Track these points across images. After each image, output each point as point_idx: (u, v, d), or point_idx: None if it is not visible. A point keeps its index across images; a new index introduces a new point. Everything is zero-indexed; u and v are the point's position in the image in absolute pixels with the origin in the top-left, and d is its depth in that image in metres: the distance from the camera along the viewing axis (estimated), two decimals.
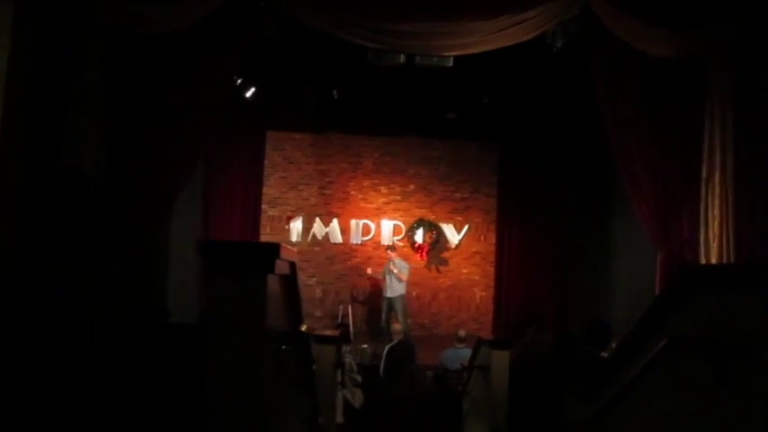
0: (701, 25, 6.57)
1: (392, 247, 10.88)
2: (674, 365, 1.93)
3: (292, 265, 1.90)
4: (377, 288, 11.14)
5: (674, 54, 6.69)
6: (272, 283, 1.75)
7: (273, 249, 1.65)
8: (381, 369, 7.59)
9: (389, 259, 10.60)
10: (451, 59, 7.81)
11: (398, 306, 10.26)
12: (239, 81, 9.60)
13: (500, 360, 4.36)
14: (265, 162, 11.59)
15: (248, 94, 10.01)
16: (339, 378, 5.17)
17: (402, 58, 7.93)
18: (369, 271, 10.96)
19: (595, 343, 3.62)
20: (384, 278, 10.61)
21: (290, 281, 1.95)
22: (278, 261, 1.65)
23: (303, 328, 2.08)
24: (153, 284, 6.04)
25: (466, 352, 6.67)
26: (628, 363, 2.16)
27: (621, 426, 2.38)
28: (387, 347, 7.95)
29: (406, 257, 11.32)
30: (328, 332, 5.32)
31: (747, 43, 6.56)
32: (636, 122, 7.12)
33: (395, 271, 10.40)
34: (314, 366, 2.65)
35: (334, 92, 10.30)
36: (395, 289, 10.41)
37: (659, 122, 7.07)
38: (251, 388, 1.65)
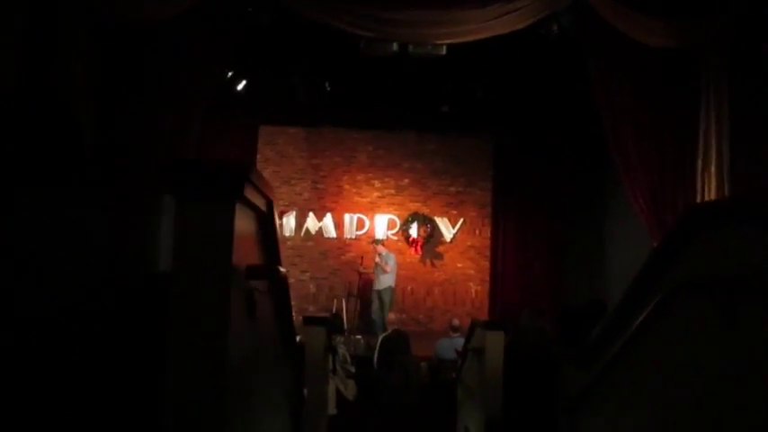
0: (698, 15, 6.53)
1: (377, 241, 10.83)
2: (677, 313, 1.84)
3: (269, 203, 1.77)
4: (370, 282, 11.10)
5: (670, 44, 6.65)
6: (245, 221, 1.61)
7: (241, 170, 1.50)
8: (375, 359, 7.50)
9: (378, 253, 10.57)
10: (444, 48, 7.73)
11: (386, 298, 10.28)
12: (230, 74, 9.51)
13: (495, 342, 4.27)
14: (258, 157, 11.47)
15: (240, 87, 9.93)
16: (330, 365, 5.08)
17: (395, 46, 7.84)
18: (361, 269, 10.88)
19: (594, 323, 3.55)
20: (374, 272, 10.65)
21: (266, 221, 1.82)
22: (250, 189, 1.52)
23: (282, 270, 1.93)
24: (144, 242, 5.80)
25: (460, 341, 6.57)
26: (629, 319, 2.08)
27: (623, 385, 2.30)
28: (381, 337, 7.86)
29: (400, 252, 11.26)
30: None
31: (744, 33, 6.52)
32: (631, 112, 7.08)
33: (381, 264, 10.41)
34: (298, 338, 2.54)
35: (327, 84, 10.22)
36: (381, 281, 10.42)
37: (655, 112, 7.03)
38: (215, 334, 1.50)
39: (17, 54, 4.80)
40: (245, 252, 1.62)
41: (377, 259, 10.46)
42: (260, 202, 1.67)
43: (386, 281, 10.39)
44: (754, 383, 1.49)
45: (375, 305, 10.42)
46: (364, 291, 11.12)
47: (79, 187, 1.62)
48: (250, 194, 1.55)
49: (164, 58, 6.41)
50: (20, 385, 1.58)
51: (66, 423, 1.61)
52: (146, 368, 1.63)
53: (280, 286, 1.97)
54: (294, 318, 2.42)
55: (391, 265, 10.42)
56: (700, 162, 6.83)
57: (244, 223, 1.59)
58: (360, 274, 10.80)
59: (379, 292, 10.40)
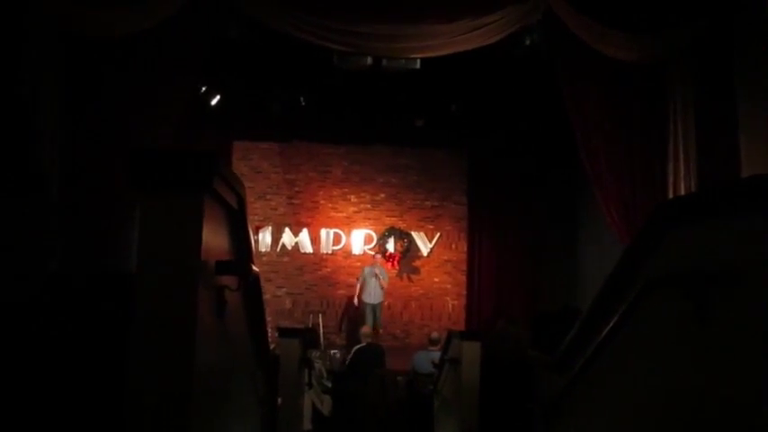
0: (662, 29, 6.69)
1: (379, 253, 10.99)
2: (650, 312, 1.84)
3: (240, 199, 1.73)
4: (350, 298, 11.06)
5: (636, 58, 6.79)
6: (214, 216, 1.54)
7: (210, 161, 1.44)
8: (346, 369, 7.44)
9: (376, 263, 10.65)
10: (418, 62, 7.76)
11: (378, 312, 10.43)
12: (204, 89, 9.47)
13: (471, 351, 4.25)
14: None
15: (213, 102, 9.89)
16: (306, 379, 5.01)
17: (369, 60, 7.86)
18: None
19: (567, 327, 3.55)
20: (365, 282, 10.58)
21: (237, 218, 1.77)
22: (219, 182, 1.48)
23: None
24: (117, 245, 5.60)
25: (437, 354, 6.53)
26: (602, 320, 2.07)
27: (598, 387, 2.29)
28: (354, 348, 7.79)
29: None
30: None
31: (706, 47, 6.68)
32: (601, 124, 7.18)
33: (381, 278, 10.45)
34: (273, 346, 2.50)
35: (301, 99, 10.21)
36: (378, 295, 10.51)
37: (624, 124, 7.14)
38: (181, 334, 1.43)
39: None
40: (215, 249, 1.57)
41: (375, 270, 10.48)
42: (230, 198, 1.63)
43: (381, 295, 10.50)
44: (726, 378, 1.48)
45: (368, 318, 10.38)
46: (343, 306, 11.12)
47: (33, 197, 1.57)
48: (220, 188, 1.50)
49: (133, 70, 6.36)
50: None
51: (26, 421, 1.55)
52: (105, 373, 1.57)
53: (251, 285, 1.92)
54: (269, 332, 2.35)
55: (387, 281, 10.55)
56: (671, 172, 6.95)
57: (213, 219, 1.54)
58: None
59: (373, 306, 10.43)
